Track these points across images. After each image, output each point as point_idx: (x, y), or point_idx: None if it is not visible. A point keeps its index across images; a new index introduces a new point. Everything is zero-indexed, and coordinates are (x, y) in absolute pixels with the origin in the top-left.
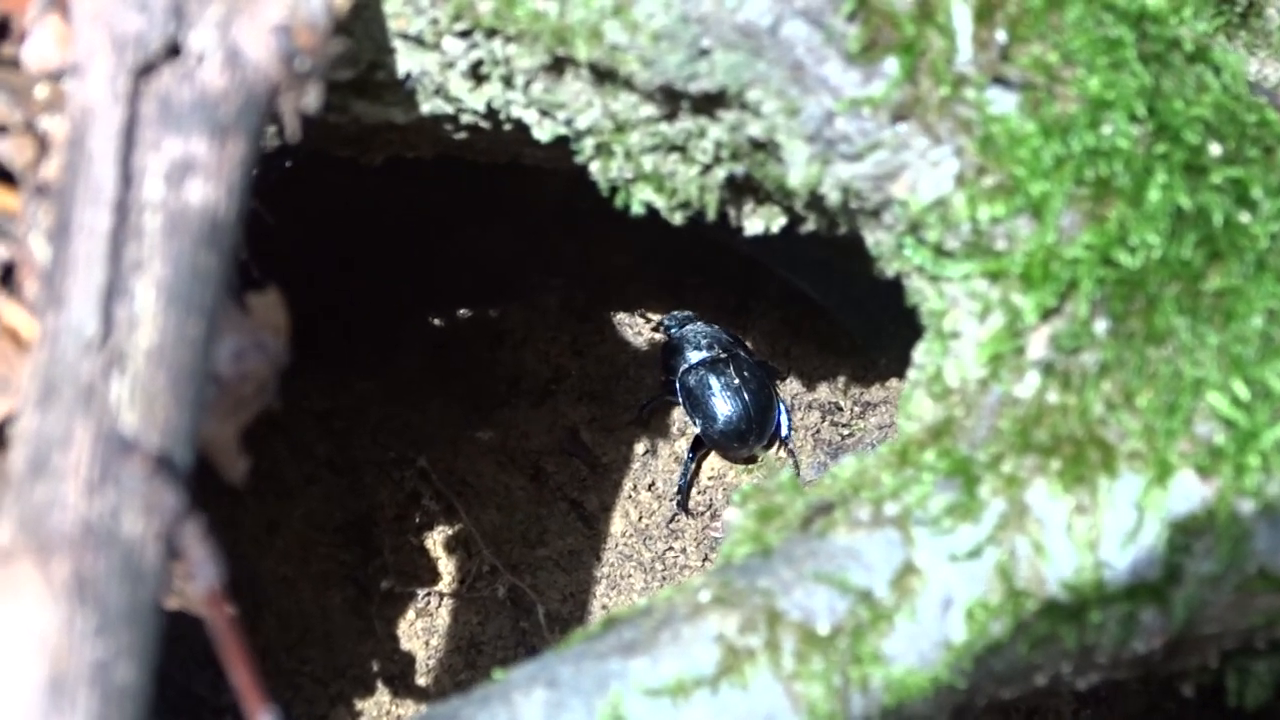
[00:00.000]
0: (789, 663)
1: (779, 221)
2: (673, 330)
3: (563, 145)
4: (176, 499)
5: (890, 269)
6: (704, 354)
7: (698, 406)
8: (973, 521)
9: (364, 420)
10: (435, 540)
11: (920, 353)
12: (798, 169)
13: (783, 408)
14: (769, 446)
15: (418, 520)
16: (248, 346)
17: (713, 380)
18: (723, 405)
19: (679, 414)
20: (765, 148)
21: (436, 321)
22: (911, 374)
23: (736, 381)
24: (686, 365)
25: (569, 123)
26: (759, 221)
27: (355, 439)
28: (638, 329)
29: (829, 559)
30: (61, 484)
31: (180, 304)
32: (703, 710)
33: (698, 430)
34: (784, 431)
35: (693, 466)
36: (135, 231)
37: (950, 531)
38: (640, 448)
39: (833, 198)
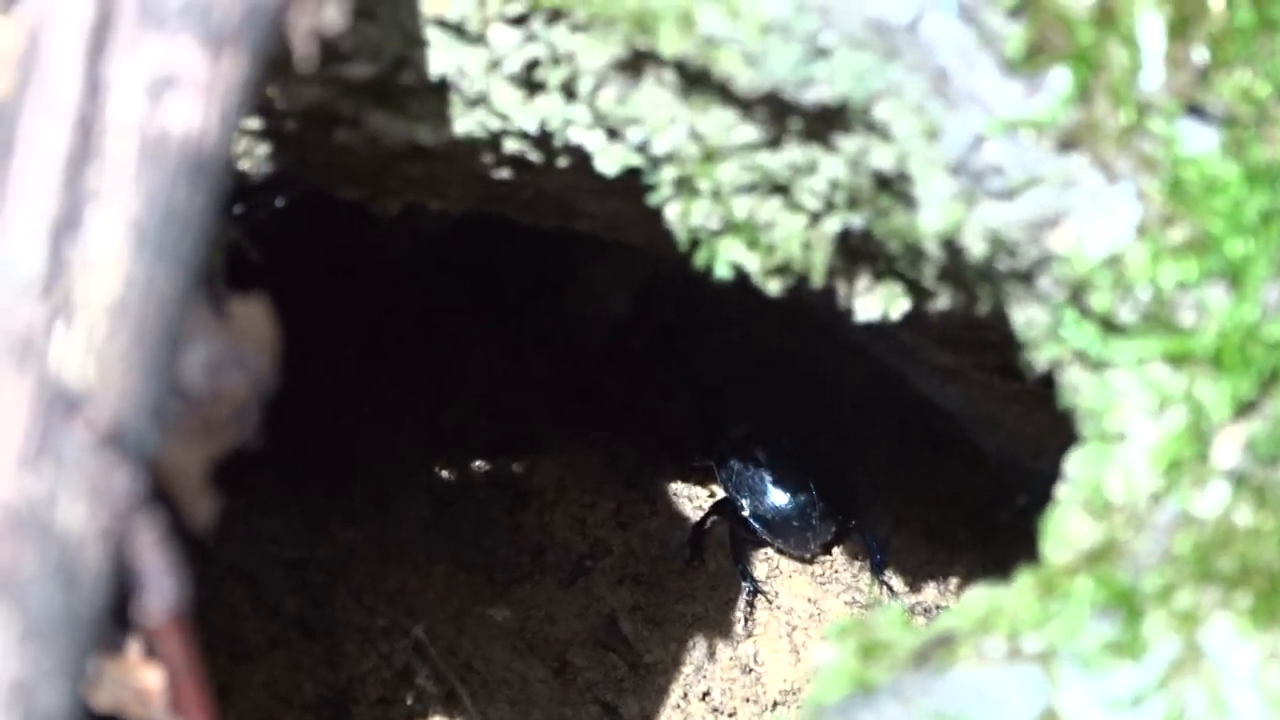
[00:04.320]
0: None
1: (900, 305)
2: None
3: (631, 191)
4: (131, 484)
5: (1041, 358)
6: (748, 427)
7: (743, 482)
8: (1135, 662)
9: (347, 577)
10: None
11: (1074, 463)
12: (935, 210)
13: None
14: (831, 546)
15: (409, 703)
16: (225, 359)
17: (761, 453)
18: (778, 476)
19: (743, 607)
20: (892, 188)
21: (444, 472)
22: (1061, 490)
23: (793, 451)
24: (727, 440)
25: (643, 148)
26: (875, 302)
27: (334, 598)
28: (698, 501)
29: (950, 699)
30: None
31: (151, 249)
32: None
33: (745, 511)
34: (876, 555)
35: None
36: (99, 156)
37: (1107, 673)
38: (695, 647)
39: (976, 251)
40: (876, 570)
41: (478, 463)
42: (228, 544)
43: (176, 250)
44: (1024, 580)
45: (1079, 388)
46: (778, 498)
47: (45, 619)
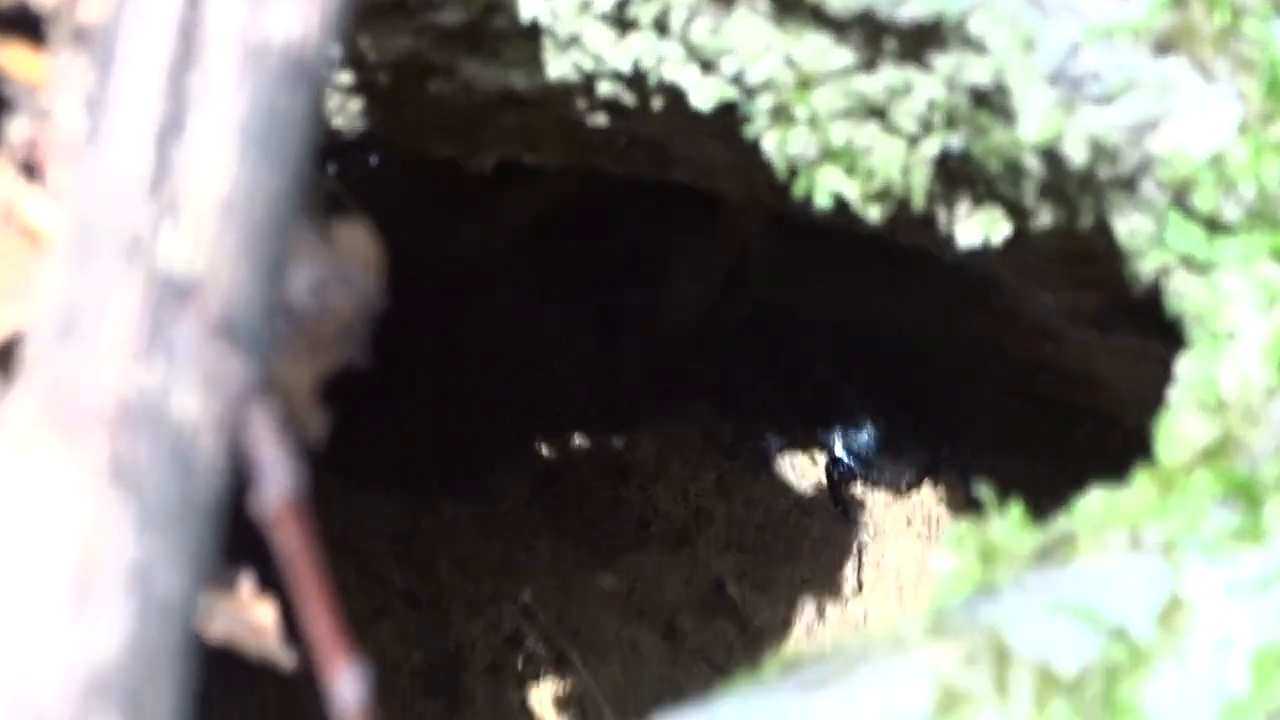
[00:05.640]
0: (1022, 710)
1: (1001, 229)
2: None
3: (727, 132)
4: (244, 373)
5: (1147, 267)
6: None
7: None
8: (1259, 547)
9: (450, 550)
10: (542, 695)
11: (1185, 365)
12: (1034, 120)
13: None
14: (923, 477)
15: (519, 668)
16: (330, 278)
17: (848, 388)
18: (866, 408)
19: (851, 568)
20: (990, 104)
21: (544, 450)
22: (1172, 393)
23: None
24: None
25: (737, 79)
26: (975, 228)
27: (438, 570)
28: (802, 469)
29: (1074, 590)
30: (96, 352)
31: (255, 150)
32: None
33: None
34: (971, 489)
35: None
36: (201, 63)
37: (1230, 560)
38: (803, 609)
39: (1077, 159)
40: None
41: (577, 440)
42: (331, 521)
43: (281, 151)
44: (1141, 480)
45: (1186, 292)
46: (867, 429)
47: (161, 507)
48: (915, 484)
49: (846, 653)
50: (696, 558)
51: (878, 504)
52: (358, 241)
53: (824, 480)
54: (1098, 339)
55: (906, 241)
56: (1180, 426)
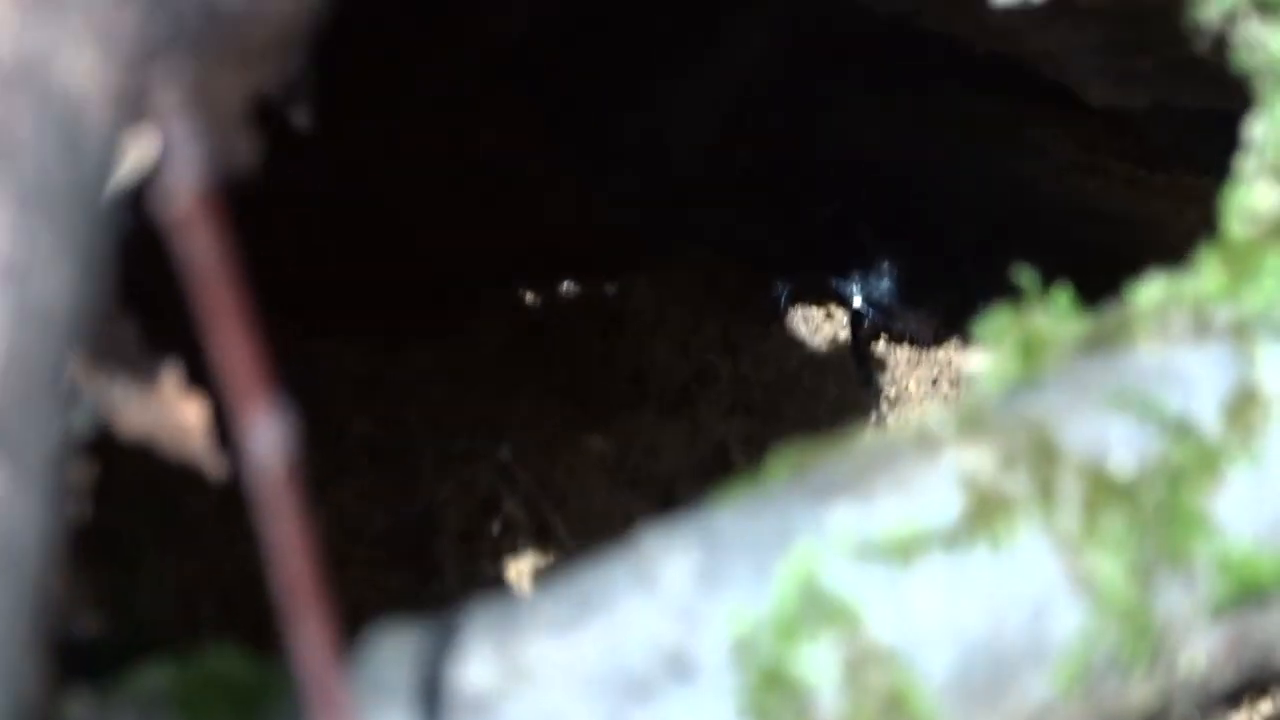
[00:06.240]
0: (1070, 519)
1: None
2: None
3: None
4: (148, 28)
5: (1213, 12)
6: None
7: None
8: None
9: (420, 400)
10: (520, 568)
11: (1256, 127)
12: None
13: None
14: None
15: (495, 536)
16: None
17: (863, 227)
18: (884, 256)
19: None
20: None
21: (527, 294)
22: (1244, 161)
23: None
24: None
25: None
26: None
27: (406, 421)
28: (816, 323)
29: (1131, 379)
30: None
31: None
32: (938, 579)
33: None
34: None
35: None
36: None
37: None
38: None
39: None
40: None
41: (565, 284)
42: (278, 361)
43: None
44: (1207, 259)
45: (1259, 41)
46: (887, 277)
47: (42, 191)
48: (944, 336)
49: (865, 454)
50: (697, 420)
51: (901, 363)
52: None
53: (840, 335)
54: (1146, 176)
55: (932, 22)
56: (1253, 197)
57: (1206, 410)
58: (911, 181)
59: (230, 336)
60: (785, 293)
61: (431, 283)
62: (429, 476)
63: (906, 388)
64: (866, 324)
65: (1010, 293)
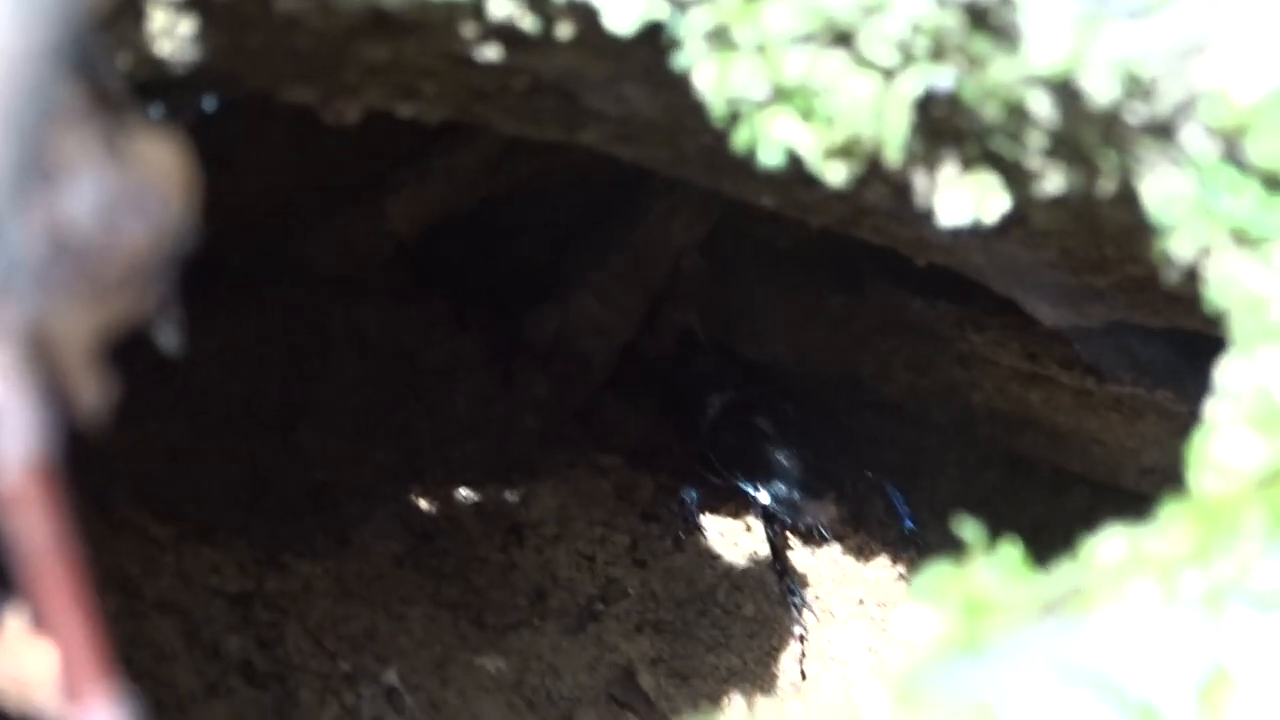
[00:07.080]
0: None
1: (996, 201)
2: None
3: (652, 74)
4: None
5: (1184, 247)
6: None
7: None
8: None
9: (301, 616)
10: None
11: (1229, 372)
12: (1048, 41)
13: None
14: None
15: None
16: (121, 201)
17: (761, 420)
18: (774, 447)
19: (791, 657)
20: (989, 23)
21: (421, 501)
22: (1211, 407)
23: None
24: (713, 410)
25: None
26: (964, 198)
27: (285, 639)
28: (733, 537)
29: (1087, 653)
30: None
31: None
32: None
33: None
34: (906, 520)
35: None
36: None
37: None
38: (731, 707)
39: (1103, 95)
40: (912, 536)
41: (462, 491)
42: (154, 575)
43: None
44: (1171, 516)
45: (1234, 277)
46: (782, 472)
47: None
48: (848, 526)
49: None
50: (603, 639)
51: (825, 580)
52: (162, 155)
53: (759, 551)
54: (1095, 386)
55: (869, 234)
56: (1223, 448)
57: (1175, 692)
58: (838, 386)
59: (65, 618)
60: (694, 500)
61: (316, 485)
62: (309, 700)
63: (829, 608)
64: (775, 525)
65: (949, 503)
